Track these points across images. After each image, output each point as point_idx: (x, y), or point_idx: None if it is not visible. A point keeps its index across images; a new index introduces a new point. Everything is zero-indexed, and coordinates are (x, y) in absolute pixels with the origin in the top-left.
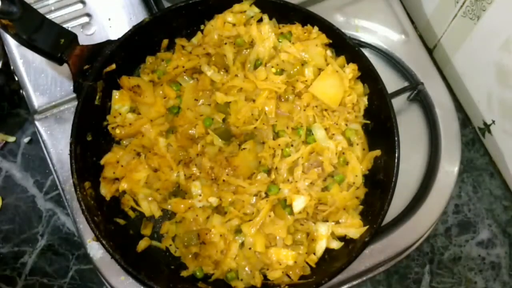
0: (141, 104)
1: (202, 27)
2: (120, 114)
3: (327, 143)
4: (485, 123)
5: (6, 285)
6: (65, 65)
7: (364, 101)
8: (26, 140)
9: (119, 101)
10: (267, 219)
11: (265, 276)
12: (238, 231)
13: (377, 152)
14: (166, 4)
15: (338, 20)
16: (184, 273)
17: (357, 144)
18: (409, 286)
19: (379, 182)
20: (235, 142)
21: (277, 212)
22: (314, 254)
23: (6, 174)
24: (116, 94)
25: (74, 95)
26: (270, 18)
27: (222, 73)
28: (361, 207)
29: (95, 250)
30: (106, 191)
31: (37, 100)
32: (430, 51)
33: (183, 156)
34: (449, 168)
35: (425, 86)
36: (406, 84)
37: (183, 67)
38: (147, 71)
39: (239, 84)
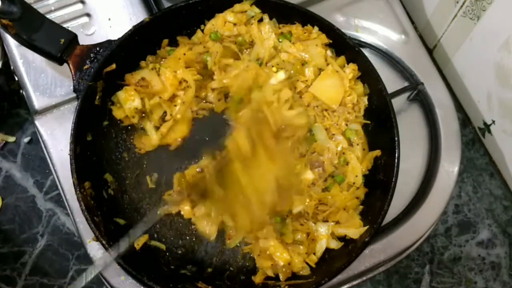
0: (151, 95)
1: (202, 27)
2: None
3: (327, 143)
4: (485, 123)
5: (6, 285)
6: (65, 65)
7: (364, 101)
8: (26, 140)
9: (127, 99)
10: None
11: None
12: None
13: (377, 152)
14: (166, 4)
15: (338, 20)
16: None
17: (357, 144)
18: (409, 286)
19: (379, 182)
20: None
21: None
22: (314, 254)
23: (6, 174)
24: (121, 95)
25: (74, 95)
26: (271, 18)
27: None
28: (361, 207)
29: (95, 250)
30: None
31: (37, 100)
32: (430, 51)
33: None
34: (449, 168)
35: (425, 86)
36: (406, 84)
37: (184, 54)
38: (149, 64)
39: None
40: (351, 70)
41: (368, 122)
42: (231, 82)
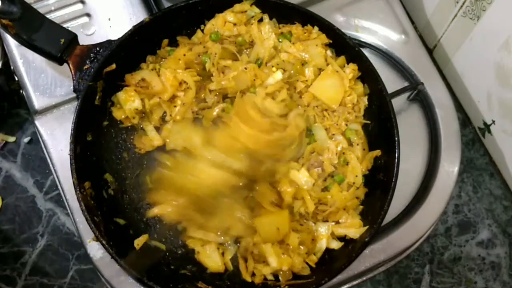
0: (151, 96)
1: (202, 27)
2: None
3: (327, 143)
4: (485, 123)
5: (6, 285)
6: (65, 65)
7: (364, 101)
8: (26, 140)
9: (127, 100)
10: None
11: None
12: None
13: (377, 152)
14: (166, 4)
15: (338, 20)
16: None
17: (357, 144)
18: (409, 286)
19: (379, 182)
20: None
21: None
22: (314, 254)
23: (6, 174)
24: (121, 95)
25: (74, 95)
26: (271, 18)
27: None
28: (361, 207)
29: (95, 250)
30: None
31: (37, 100)
32: (430, 51)
33: None
34: (449, 168)
35: (425, 86)
36: (406, 84)
37: (184, 55)
38: (149, 64)
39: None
40: (351, 70)
41: (368, 122)
42: (229, 84)
